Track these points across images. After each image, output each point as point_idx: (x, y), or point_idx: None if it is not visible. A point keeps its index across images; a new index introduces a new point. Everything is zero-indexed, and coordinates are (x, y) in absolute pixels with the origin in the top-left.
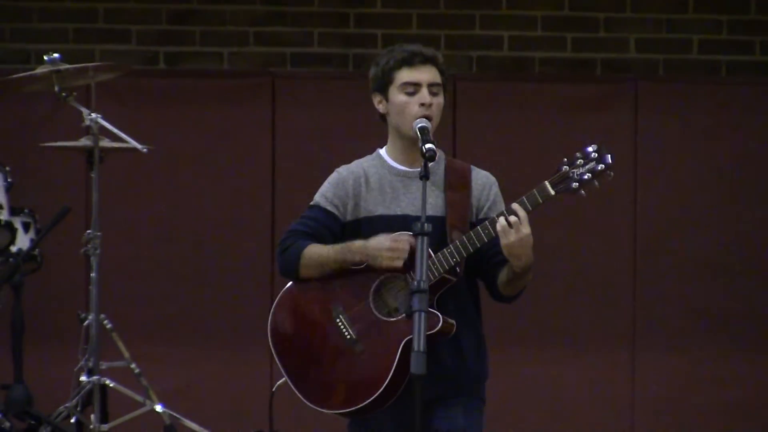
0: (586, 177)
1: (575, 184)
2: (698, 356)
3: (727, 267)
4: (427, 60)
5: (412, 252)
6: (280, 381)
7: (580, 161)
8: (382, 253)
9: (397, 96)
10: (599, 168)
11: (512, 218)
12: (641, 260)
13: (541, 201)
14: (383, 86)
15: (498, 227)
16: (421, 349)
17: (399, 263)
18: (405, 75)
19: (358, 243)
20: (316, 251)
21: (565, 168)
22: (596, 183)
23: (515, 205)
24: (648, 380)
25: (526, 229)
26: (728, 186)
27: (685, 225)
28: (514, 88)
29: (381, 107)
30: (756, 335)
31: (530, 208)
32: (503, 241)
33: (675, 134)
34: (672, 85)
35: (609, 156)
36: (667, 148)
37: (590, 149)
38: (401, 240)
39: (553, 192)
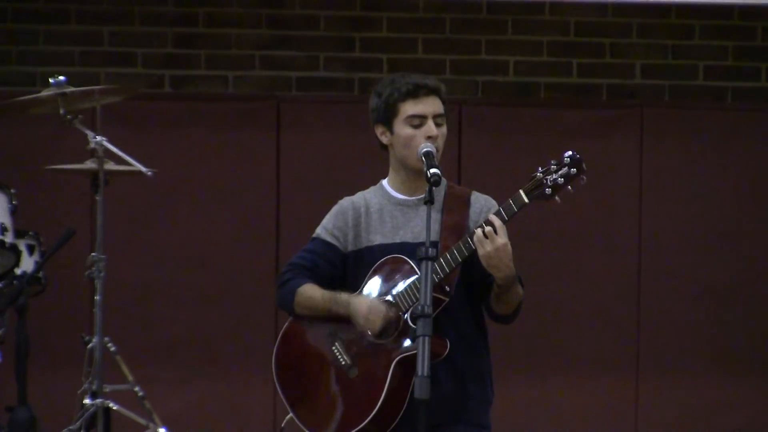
0: (559, 181)
1: (548, 190)
2: (702, 381)
3: (731, 292)
4: (431, 91)
5: (393, 273)
6: (287, 417)
7: (553, 167)
8: (358, 318)
9: (402, 129)
10: (572, 172)
11: (488, 228)
12: (645, 285)
13: (516, 209)
14: (387, 118)
15: (475, 239)
16: (426, 373)
17: (374, 330)
18: (410, 108)
19: (343, 297)
20: (308, 294)
21: (539, 175)
22: (570, 188)
23: (491, 216)
24: (651, 405)
25: (501, 239)
26: (733, 212)
27: (690, 250)
28: (519, 113)
29: (384, 138)
30: (761, 361)
31: (506, 218)
32: (480, 252)
33: (680, 160)
34: (677, 111)
35: (581, 160)
36: (672, 173)
37: (564, 155)
38: (377, 312)
39: (527, 199)
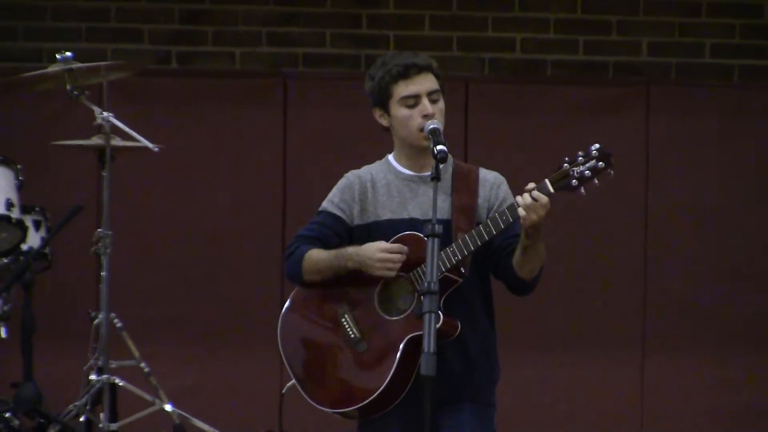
0: (586, 174)
1: (575, 182)
2: (708, 359)
3: (738, 270)
4: (422, 69)
5: (411, 251)
6: (290, 383)
7: (581, 159)
8: (374, 263)
9: (398, 110)
10: (600, 165)
11: (535, 193)
12: (652, 263)
13: None
14: (382, 101)
15: (523, 206)
16: (432, 350)
17: (391, 274)
18: (403, 89)
19: (350, 250)
20: (315, 257)
21: (566, 166)
22: (596, 181)
23: (519, 199)
24: (657, 383)
25: (545, 197)
26: (740, 190)
27: (696, 228)
28: (526, 91)
29: (383, 121)
30: (766, 338)
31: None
32: (533, 217)
33: (687, 138)
34: (684, 89)
35: (610, 154)
36: (678, 151)
37: (592, 148)
38: (393, 250)
39: (552, 189)
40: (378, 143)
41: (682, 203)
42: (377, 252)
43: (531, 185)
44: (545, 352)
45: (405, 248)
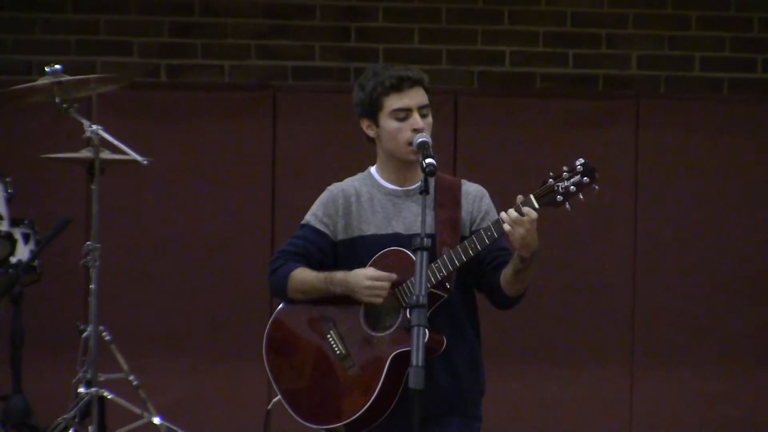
0: (571, 189)
1: (559, 197)
2: (697, 372)
3: (726, 283)
4: (415, 83)
5: (395, 267)
6: (276, 399)
7: (566, 174)
8: (362, 290)
9: (388, 122)
10: (585, 180)
11: (525, 209)
12: (641, 276)
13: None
14: (372, 113)
15: (507, 222)
16: (420, 363)
17: (378, 300)
18: (395, 101)
19: (339, 275)
20: (301, 277)
21: (551, 181)
22: (581, 196)
23: (503, 215)
24: (646, 396)
25: (533, 212)
26: (729, 203)
27: (685, 241)
28: (515, 104)
29: (370, 132)
30: (755, 351)
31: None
32: (519, 233)
33: (676, 151)
34: (673, 102)
35: (594, 169)
36: (668, 164)
37: (577, 163)
38: (382, 278)
39: (537, 205)
40: (367, 155)
41: (671, 216)
42: (365, 280)
43: (519, 199)
44: (534, 365)
45: (393, 276)
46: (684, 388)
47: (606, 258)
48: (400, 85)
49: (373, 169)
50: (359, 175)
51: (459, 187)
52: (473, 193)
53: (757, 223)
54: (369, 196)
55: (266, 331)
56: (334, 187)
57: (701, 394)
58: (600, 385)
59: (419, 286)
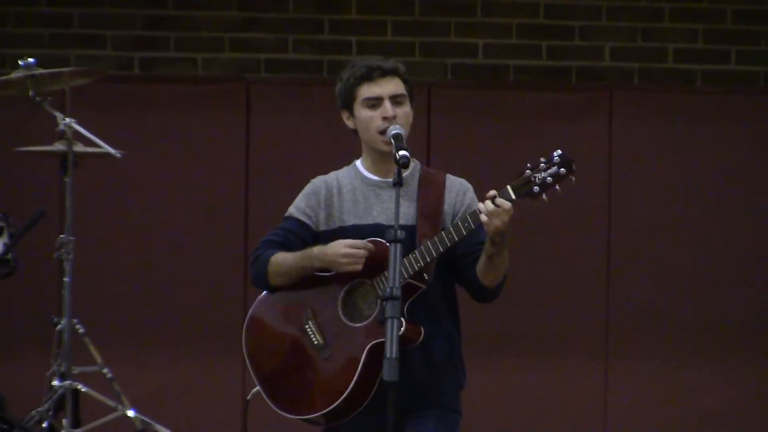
0: (548, 180)
1: (537, 188)
2: (671, 364)
3: (699, 275)
4: (386, 73)
5: (374, 258)
6: (254, 389)
7: (543, 166)
8: (339, 258)
9: (361, 112)
10: (561, 172)
11: (498, 200)
12: (614, 268)
13: None
14: (348, 103)
15: (485, 212)
16: (394, 355)
17: (357, 267)
18: (366, 90)
19: (316, 249)
20: (281, 258)
21: (528, 172)
22: (558, 188)
23: (481, 206)
24: (621, 388)
25: (508, 202)
26: (702, 194)
27: (659, 233)
28: (489, 96)
29: (350, 123)
30: (729, 343)
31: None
32: (496, 223)
33: (649, 143)
34: (647, 94)
35: (571, 161)
36: (641, 156)
37: (554, 154)
38: (358, 246)
39: (514, 196)
40: (341, 149)
41: (645, 208)
42: (342, 248)
43: (492, 192)
44: (509, 356)
45: (370, 244)
46: (658, 379)
47: (580, 249)
48: (370, 75)
49: (358, 162)
50: (345, 168)
51: (443, 180)
52: (457, 187)
53: (731, 214)
54: (351, 187)
55: (245, 321)
56: (317, 180)
57: (675, 386)
58: (574, 376)
59: (393, 278)
